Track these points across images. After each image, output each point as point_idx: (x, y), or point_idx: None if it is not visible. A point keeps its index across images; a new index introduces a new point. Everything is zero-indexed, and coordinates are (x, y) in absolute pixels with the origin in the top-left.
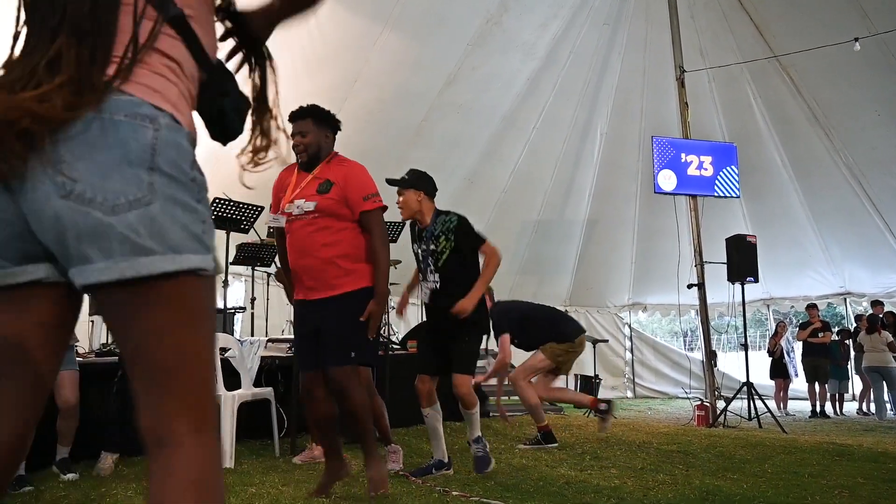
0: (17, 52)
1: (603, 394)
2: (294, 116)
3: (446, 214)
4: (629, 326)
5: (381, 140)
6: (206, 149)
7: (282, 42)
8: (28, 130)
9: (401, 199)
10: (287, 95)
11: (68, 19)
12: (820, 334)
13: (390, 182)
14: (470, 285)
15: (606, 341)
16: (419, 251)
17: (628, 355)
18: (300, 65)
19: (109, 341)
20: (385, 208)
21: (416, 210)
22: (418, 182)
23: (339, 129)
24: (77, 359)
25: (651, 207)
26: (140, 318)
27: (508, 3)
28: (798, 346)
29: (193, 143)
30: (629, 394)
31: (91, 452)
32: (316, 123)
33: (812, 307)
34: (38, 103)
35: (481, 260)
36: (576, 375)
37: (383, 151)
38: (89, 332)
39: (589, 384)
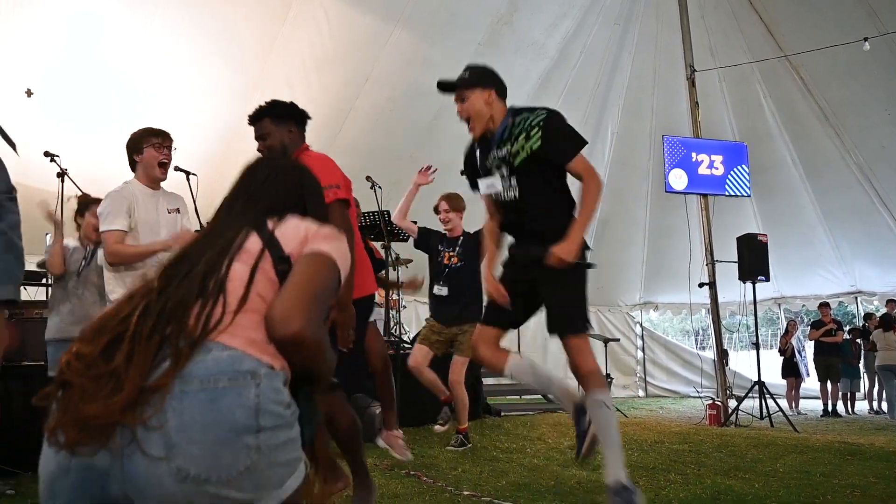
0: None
1: (615, 393)
2: (251, 120)
3: (530, 111)
4: (640, 325)
5: (392, 139)
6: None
7: (292, 41)
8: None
9: (462, 107)
10: (298, 95)
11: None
12: (833, 333)
13: (443, 87)
14: (557, 211)
15: (618, 340)
16: (489, 163)
17: (640, 354)
18: (310, 64)
19: None
20: (347, 202)
21: (488, 116)
22: (484, 78)
23: (307, 118)
24: None
25: (662, 206)
26: None
27: (518, 2)
28: (809, 345)
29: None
30: (641, 393)
31: None
32: (275, 122)
33: (824, 306)
34: (102, 412)
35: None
36: None
37: (393, 150)
38: None
39: None
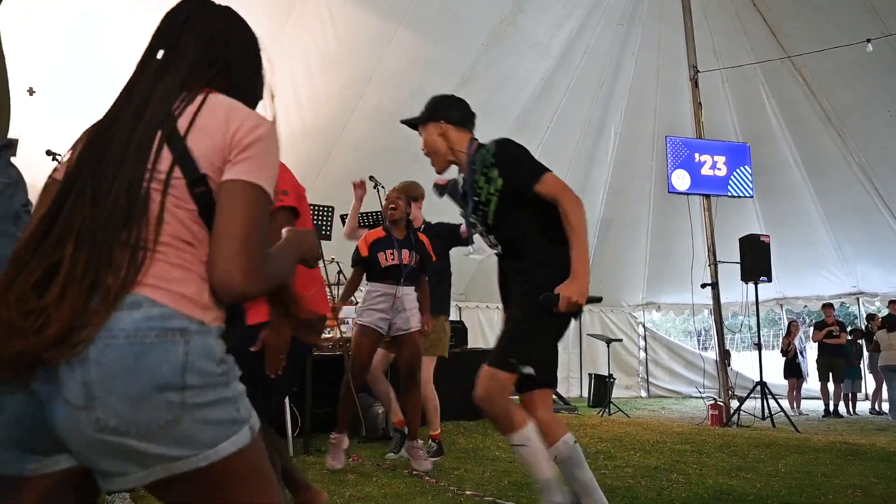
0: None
1: (617, 393)
2: None
3: (482, 146)
4: (643, 326)
5: (396, 139)
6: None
7: (297, 41)
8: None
9: (422, 144)
10: (302, 95)
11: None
12: (836, 334)
13: (407, 123)
14: (547, 255)
15: (620, 340)
16: (468, 218)
17: (642, 355)
18: (315, 64)
19: None
20: (294, 211)
21: (445, 150)
22: (434, 111)
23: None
24: None
25: (665, 207)
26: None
27: (523, 3)
28: (810, 346)
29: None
30: (643, 393)
31: None
32: None
33: (828, 307)
34: (29, 347)
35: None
36: (590, 375)
37: (397, 150)
38: None
39: (603, 383)
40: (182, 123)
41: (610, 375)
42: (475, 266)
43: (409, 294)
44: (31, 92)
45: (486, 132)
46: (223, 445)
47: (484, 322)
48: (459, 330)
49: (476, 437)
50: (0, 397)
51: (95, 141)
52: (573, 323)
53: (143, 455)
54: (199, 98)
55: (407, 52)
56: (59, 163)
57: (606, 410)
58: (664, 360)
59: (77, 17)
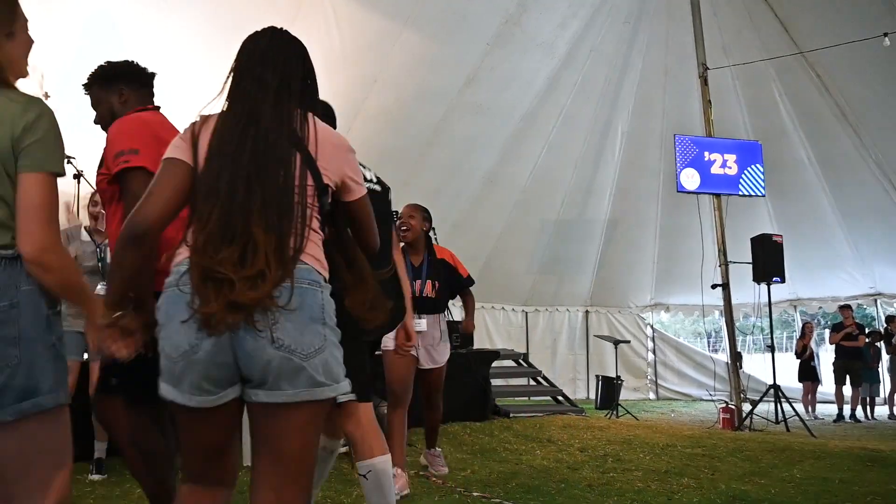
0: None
1: (625, 395)
2: (84, 89)
3: None
4: (651, 327)
5: (401, 140)
6: None
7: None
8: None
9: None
10: None
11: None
12: (855, 336)
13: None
14: None
15: (628, 342)
16: None
17: (651, 356)
18: (320, 64)
19: None
20: (142, 169)
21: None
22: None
23: (144, 74)
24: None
25: (673, 206)
26: (291, 423)
27: (527, 2)
28: (825, 348)
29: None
30: (651, 395)
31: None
32: (103, 88)
33: (846, 308)
34: (259, 296)
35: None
36: (597, 376)
37: (402, 151)
38: None
39: (611, 385)
40: (310, 145)
41: (618, 377)
42: (480, 266)
43: (433, 328)
44: (45, 97)
45: (491, 132)
46: (343, 384)
47: (490, 323)
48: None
49: (483, 439)
50: (200, 342)
51: (228, 151)
52: (580, 324)
53: (301, 373)
54: (311, 121)
55: (412, 53)
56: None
57: (614, 412)
58: (673, 361)
59: (90, 18)
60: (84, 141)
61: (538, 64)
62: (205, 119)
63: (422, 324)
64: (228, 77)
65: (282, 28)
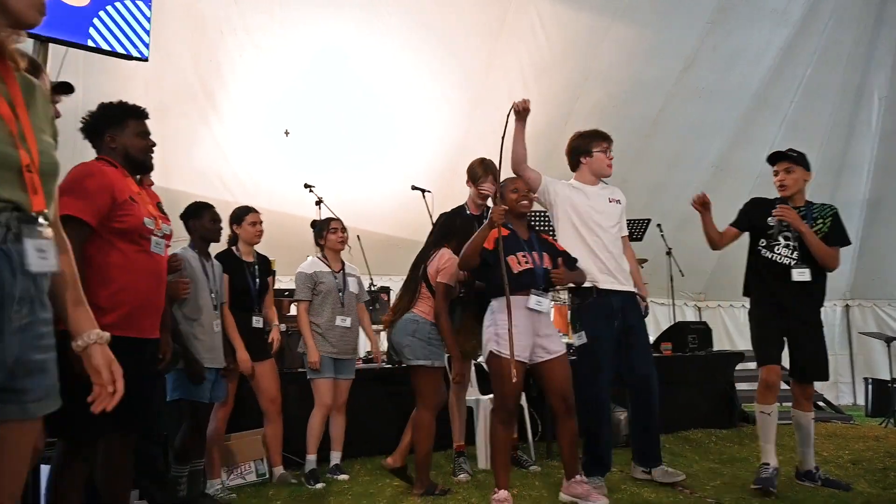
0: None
1: None
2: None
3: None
4: None
5: (616, 136)
6: None
7: (509, 52)
8: None
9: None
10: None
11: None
12: None
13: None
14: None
15: None
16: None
17: None
18: (529, 71)
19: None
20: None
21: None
22: (805, 159)
23: (128, 114)
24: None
25: None
26: None
27: None
28: None
29: None
30: None
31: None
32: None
33: None
34: None
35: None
36: (865, 379)
37: (619, 147)
38: None
39: (884, 389)
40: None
41: (893, 380)
42: (714, 261)
43: (550, 307)
44: (286, 133)
45: (717, 117)
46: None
47: (728, 322)
48: (703, 331)
49: (731, 447)
50: None
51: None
52: (839, 320)
53: (403, 355)
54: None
55: (623, 45)
56: (315, 195)
57: (891, 420)
58: None
59: (317, 55)
60: (322, 171)
61: (768, 35)
62: None
63: (544, 303)
64: None
65: None
